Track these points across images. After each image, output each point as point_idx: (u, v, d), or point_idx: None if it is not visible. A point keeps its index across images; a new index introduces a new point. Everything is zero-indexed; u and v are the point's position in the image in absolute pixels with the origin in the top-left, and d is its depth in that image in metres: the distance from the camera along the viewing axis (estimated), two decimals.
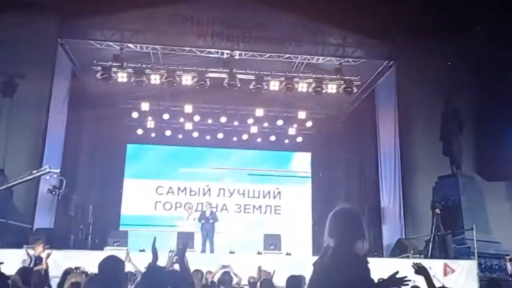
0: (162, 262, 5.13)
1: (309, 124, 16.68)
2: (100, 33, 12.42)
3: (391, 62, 12.97)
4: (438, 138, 11.73)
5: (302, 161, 17.65)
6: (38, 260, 7.18)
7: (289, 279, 5.32)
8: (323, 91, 13.28)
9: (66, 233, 11.39)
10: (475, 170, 11.82)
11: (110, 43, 12.48)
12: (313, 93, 13.44)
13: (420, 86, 12.08)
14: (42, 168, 5.17)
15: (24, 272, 5.20)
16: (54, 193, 8.58)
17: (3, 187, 5.08)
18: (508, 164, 11.69)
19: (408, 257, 9.89)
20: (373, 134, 13.87)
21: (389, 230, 12.50)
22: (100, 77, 12.80)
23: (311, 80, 13.35)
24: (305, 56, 13.15)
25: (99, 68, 12.76)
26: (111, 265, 2.92)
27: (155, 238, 4.28)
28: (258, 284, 6.47)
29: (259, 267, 7.21)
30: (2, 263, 6.34)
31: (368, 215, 13.75)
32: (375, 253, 12.31)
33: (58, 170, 4.94)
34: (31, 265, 6.82)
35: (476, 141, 12.02)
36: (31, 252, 7.66)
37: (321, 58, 13.11)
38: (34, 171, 5.08)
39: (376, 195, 13.36)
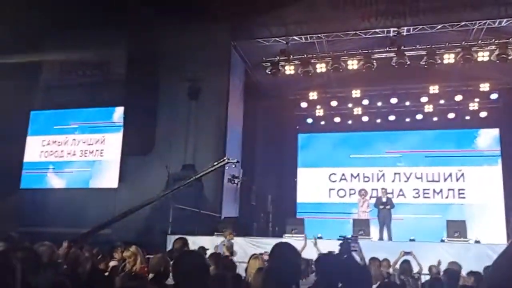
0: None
1: (494, 96, 14.85)
2: (267, 30, 13.08)
3: None
4: None
5: (488, 139, 15.82)
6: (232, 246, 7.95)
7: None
8: (510, 57, 11.67)
9: (249, 221, 12.38)
10: None
11: (277, 38, 13.03)
12: (497, 61, 11.93)
13: None
14: (221, 160, 5.69)
15: (215, 257, 5.82)
16: (233, 182, 9.41)
17: (189, 180, 5.77)
18: None
19: None
20: None
21: None
22: (269, 72, 13.50)
23: (493, 47, 11.91)
24: (485, 21, 11.70)
25: (268, 64, 13.46)
26: (287, 252, 3.04)
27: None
28: (441, 274, 6.06)
29: (439, 260, 6.75)
30: (207, 249, 7.16)
31: None
32: None
33: (235, 160, 5.39)
34: (226, 251, 7.57)
35: None
36: (221, 239, 8.54)
37: (505, 20, 11.50)
38: (215, 163, 5.62)
39: None
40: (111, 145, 13.85)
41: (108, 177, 13.51)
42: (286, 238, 9.48)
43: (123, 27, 12.55)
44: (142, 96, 12.40)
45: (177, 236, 5.78)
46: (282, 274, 2.89)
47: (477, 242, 10.50)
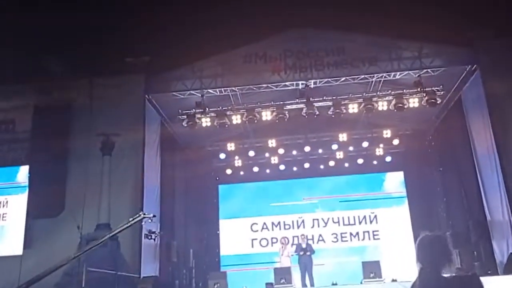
0: None
1: (396, 142, 16.13)
2: (182, 83, 13.20)
3: (474, 66, 12.20)
4: None
5: (395, 181, 16.98)
6: None
7: None
8: (405, 106, 12.80)
9: (171, 279, 11.90)
10: None
11: (192, 91, 13.20)
12: (395, 110, 13.02)
13: (511, 86, 11.17)
14: (136, 215, 5.48)
15: None
16: (150, 237, 9.06)
17: (102, 240, 5.49)
18: None
19: None
20: (466, 143, 12.94)
21: (500, 245, 11.38)
22: (186, 125, 13.53)
23: (390, 97, 12.94)
24: (381, 74, 12.84)
25: (184, 116, 13.48)
26: None
27: None
28: None
29: None
30: None
31: (474, 231, 12.73)
32: (489, 271, 11.30)
33: (152, 215, 5.22)
34: None
35: None
36: None
37: (398, 73, 12.72)
38: (130, 219, 5.40)
39: (481, 209, 12.30)
40: (15, 207, 12.76)
41: (11, 244, 12.31)
42: None
43: (29, 82, 12.03)
44: (49, 153, 11.74)
45: None
46: None
47: (393, 280, 10.97)
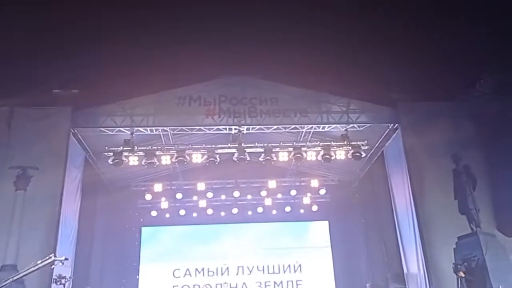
0: None
1: (322, 191, 16.60)
2: (111, 120, 12.79)
3: (396, 124, 13.03)
4: (452, 196, 11.39)
5: (320, 230, 17.28)
6: None
7: None
8: (332, 158, 13.27)
9: None
10: (495, 226, 11.32)
11: (121, 128, 12.81)
12: (323, 161, 13.44)
13: (428, 146, 12.00)
14: (46, 257, 5.07)
15: None
16: (59, 283, 8.37)
17: (5, 283, 5.00)
18: None
19: None
20: (387, 197, 13.58)
21: None
22: (111, 163, 12.99)
23: (319, 148, 13.38)
24: (311, 126, 13.29)
25: (111, 153, 12.96)
26: None
27: None
28: None
29: None
30: None
31: (392, 283, 13.13)
32: None
33: (63, 258, 4.84)
34: None
35: (492, 196, 11.63)
36: None
37: (327, 126, 13.25)
38: (39, 261, 4.98)
39: (399, 261, 12.80)
40: None
41: None
42: None
43: None
44: None
45: None
46: None
47: None
